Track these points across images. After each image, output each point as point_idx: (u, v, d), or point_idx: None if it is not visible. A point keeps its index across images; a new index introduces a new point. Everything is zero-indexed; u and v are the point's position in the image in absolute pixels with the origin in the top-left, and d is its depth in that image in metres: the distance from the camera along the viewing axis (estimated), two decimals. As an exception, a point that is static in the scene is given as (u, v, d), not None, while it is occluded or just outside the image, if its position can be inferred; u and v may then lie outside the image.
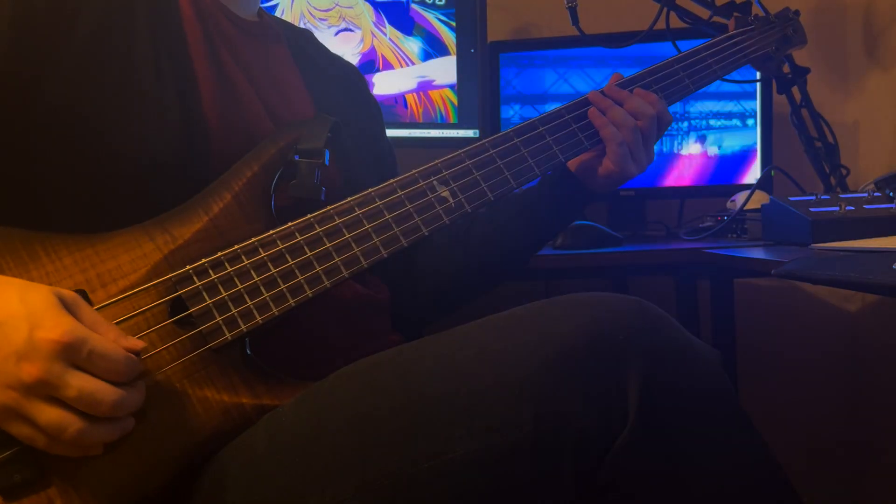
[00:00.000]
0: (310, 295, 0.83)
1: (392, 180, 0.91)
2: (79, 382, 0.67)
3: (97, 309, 0.76)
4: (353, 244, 0.86)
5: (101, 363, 0.68)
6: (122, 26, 0.86)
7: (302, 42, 1.15)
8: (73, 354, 0.67)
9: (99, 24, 0.85)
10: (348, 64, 1.26)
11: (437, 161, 0.95)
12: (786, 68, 1.57)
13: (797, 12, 1.40)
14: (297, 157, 0.88)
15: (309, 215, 0.85)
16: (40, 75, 0.82)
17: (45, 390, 0.67)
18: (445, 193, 0.93)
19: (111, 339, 0.70)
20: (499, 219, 1.17)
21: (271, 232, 0.83)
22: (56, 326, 0.67)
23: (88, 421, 0.68)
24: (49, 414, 0.67)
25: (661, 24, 1.56)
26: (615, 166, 1.08)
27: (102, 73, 0.83)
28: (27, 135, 0.82)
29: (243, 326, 0.80)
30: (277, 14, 1.69)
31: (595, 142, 1.08)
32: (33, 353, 0.66)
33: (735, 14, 1.38)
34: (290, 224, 0.84)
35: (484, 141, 0.99)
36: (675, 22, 1.57)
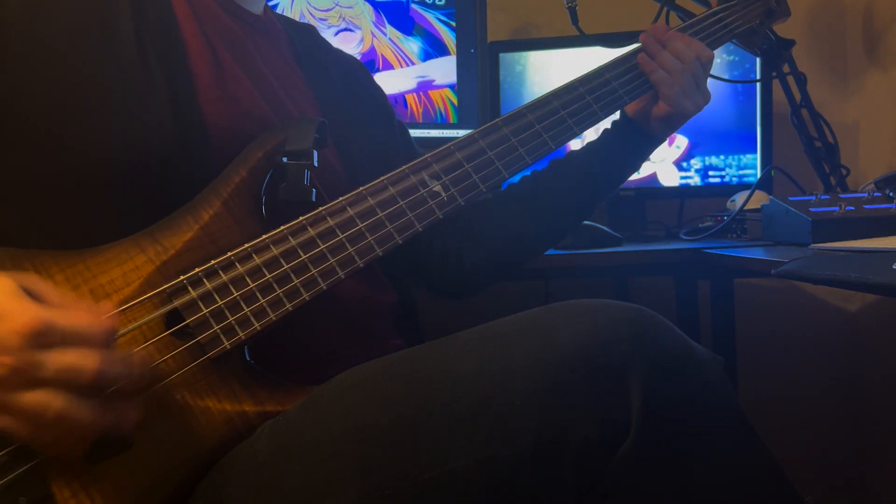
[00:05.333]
0: (307, 298, 0.83)
1: (383, 177, 0.91)
2: (55, 358, 0.65)
3: None
4: (347, 244, 0.86)
5: (75, 339, 0.66)
6: (104, 27, 0.85)
7: (305, 39, 1.15)
8: (44, 339, 0.65)
9: (76, 27, 0.83)
10: (350, 57, 1.25)
11: (426, 155, 0.95)
12: (785, 68, 1.57)
13: None
14: (285, 160, 0.86)
15: (301, 217, 0.84)
16: (17, 80, 0.81)
17: (24, 377, 0.64)
18: (437, 188, 0.93)
19: (81, 314, 0.68)
20: (564, 174, 1.19)
21: (264, 237, 0.82)
22: (21, 315, 0.64)
23: (73, 398, 0.66)
24: (29, 397, 0.64)
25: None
26: (671, 107, 1.12)
27: (82, 75, 0.82)
28: (7, 142, 0.81)
29: (241, 334, 0.79)
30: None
31: (584, 126, 1.08)
32: (2, 348, 0.64)
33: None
34: (282, 228, 0.83)
35: (472, 132, 0.99)
36: (675, 22, 1.57)
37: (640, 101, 1.16)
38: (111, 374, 0.67)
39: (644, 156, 1.21)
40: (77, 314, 0.68)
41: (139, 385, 0.72)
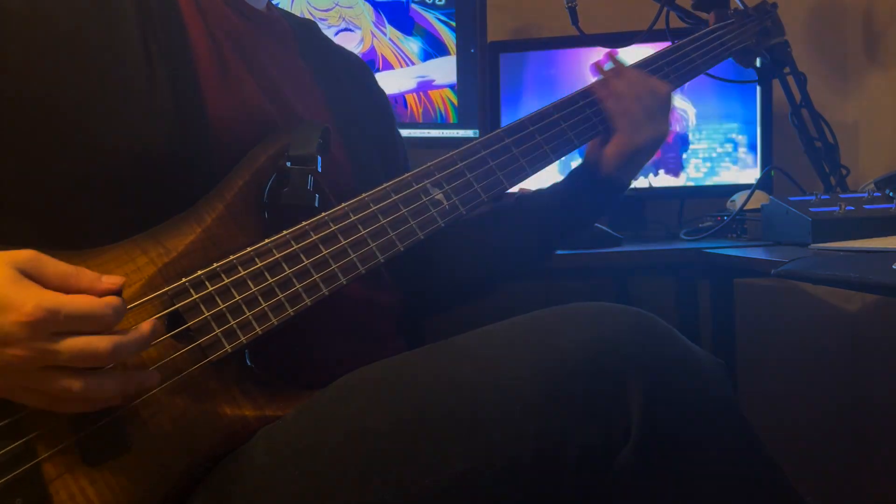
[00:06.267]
0: (308, 303, 0.82)
1: (386, 184, 0.91)
2: (66, 346, 0.65)
3: None
4: (349, 250, 0.86)
5: (82, 323, 0.67)
6: (108, 25, 0.84)
7: (308, 34, 1.14)
8: (50, 327, 0.65)
9: (80, 25, 0.83)
10: (353, 55, 1.24)
11: (429, 164, 0.95)
12: (786, 68, 1.57)
13: (775, 4, 1.41)
14: (288, 164, 0.86)
15: (304, 222, 0.84)
16: (19, 79, 0.80)
17: (39, 364, 0.66)
18: (439, 196, 0.93)
19: (85, 285, 0.69)
20: (520, 216, 1.17)
21: (266, 241, 0.82)
22: (23, 304, 0.64)
23: (92, 375, 0.68)
24: (50, 380, 0.66)
25: (661, 24, 1.55)
26: (625, 137, 1.08)
27: (84, 72, 0.81)
28: (8, 141, 0.80)
29: (242, 338, 0.79)
30: (277, 14, 1.69)
31: (585, 139, 1.09)
32: (10, 338, 0.64)
33: (715, 8, 1.39)
34: (285, 232, 0.83)
35: (475, 142, 0.99)
36: (675, 22, 1.57)
37: (594, 143, 1.13)
38: (124, 351, 0.69)
39: (607, 201, 1.16)
40: (81, 297, 0.68)
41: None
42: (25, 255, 0.68)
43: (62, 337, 0.66)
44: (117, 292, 0.71)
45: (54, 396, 0.68)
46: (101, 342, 0.67)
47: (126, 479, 0.73)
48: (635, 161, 1.12)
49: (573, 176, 1.16)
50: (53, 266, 0.69)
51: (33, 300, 0.65)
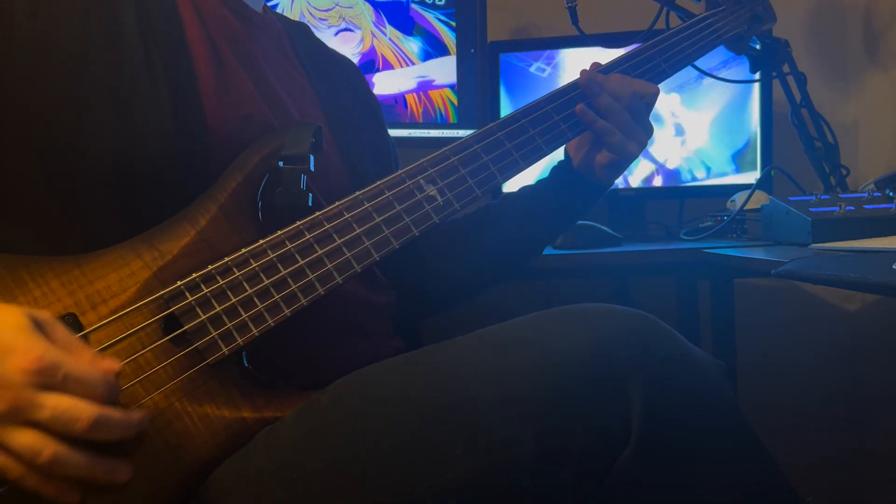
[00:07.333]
0: (304, 303, 0.82)
1: (379, 182, 0.90)
2: (52, 402, 0.65)
3: (89, 332, 0.74)
4: (344, 249, 0.86)
5: (76, 386, 0.66)
6: (109, 30, 0.84)
7: (302, 37, 1.14)
8: (46, 379, 0.65)
9: (82, 30, 0.83)
10: (346, 59, 1.24)
11: (422, 160, 0.95)
12: (785, 68, 1.57)
13: None
14: (281, 164, 0.85)
15: (298, 222, 0.84)
16: (23, 83, 0.80)
17: (20, 416, 0.65)
18: (433, 192, 0.93)
19: (87, 361, 0.68)
20: (510, 216, 1.17)
21: (261, 242, 0.82)
22: (28, 352, 0.65)
23: (67, 445, 0.66)
24: (22, 437, 0.65)
25: (661, 24, 1.55)
26: (616, 154, 1.09)
27: (86, 81, 0.82)
28: (10, 144, 0.81)
29: (239, 340, 0.79)
30: (277, 14, 1.69)
31: (578, 131, 1.08)
32: (4, 382, 0.64)
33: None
34: (279, 233, 0.83)
35: (468, 137, 0.99)
36: (675, 22, 1.56)
37: (581, 147, 1.14)
38: (105, 429, 0.67)
39: (591, 203, 1.18)
40: (84, 361, 0.68)
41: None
42: (45, 314, 0.69)
43: (52, 393, 0.65)
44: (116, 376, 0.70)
45: (22, 458, 0.65)
46: (85, 408, 0.66)
47: (126, 487, 0.72)
48: (624, 166, 1.15)
49: (559, 176, 1.17)
50: (64, 332, 0.70)
51: (39, 350, 0.65)
